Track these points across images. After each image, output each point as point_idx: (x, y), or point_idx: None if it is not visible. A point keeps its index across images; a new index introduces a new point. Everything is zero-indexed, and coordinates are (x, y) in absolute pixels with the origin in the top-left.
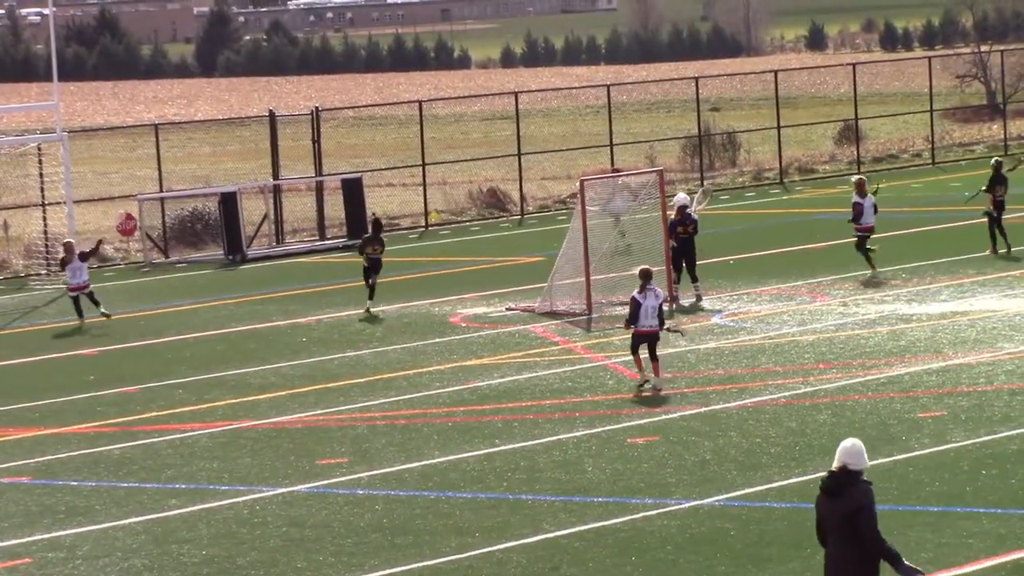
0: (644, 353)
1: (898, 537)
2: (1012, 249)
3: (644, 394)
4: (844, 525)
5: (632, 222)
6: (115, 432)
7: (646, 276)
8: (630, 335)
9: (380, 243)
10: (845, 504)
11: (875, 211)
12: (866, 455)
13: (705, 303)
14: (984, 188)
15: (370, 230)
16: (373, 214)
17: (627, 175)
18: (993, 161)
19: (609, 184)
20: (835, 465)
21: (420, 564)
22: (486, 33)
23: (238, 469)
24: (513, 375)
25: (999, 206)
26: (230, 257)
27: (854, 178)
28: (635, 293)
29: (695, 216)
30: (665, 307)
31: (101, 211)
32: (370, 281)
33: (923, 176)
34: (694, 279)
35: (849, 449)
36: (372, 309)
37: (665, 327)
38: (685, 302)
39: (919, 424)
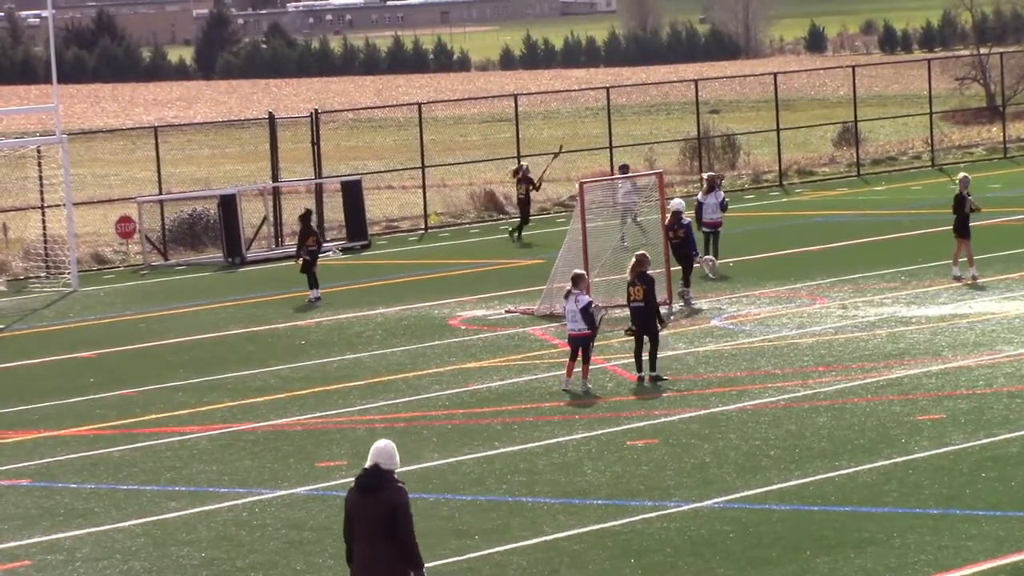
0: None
1: (897, 540)
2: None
3: (577, 401)
4: (380, 522)
5: (633, 224)
6: (114, 435)
7: (573, 281)
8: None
9: (315, 234)
10: (381, 502)
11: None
12: (397, 457)
13: (704, 305)
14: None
15: (301, 224)
16: (306, 208)
17: (627, 177)
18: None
19: (614, 183)
20: (367, 464)
21: None
22: (485, 35)
23: (237, 472)
24: (512, 377)
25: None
26: (229, 259)
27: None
28: (564, 298)
29: (686, 220)
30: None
31: (100, 213)
32: (312, 270)
33: (922, 178)
34: (686, 283)
35: (381, 449)
36: (318, 294)
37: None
38: (675, 307)
39: (918, 427)
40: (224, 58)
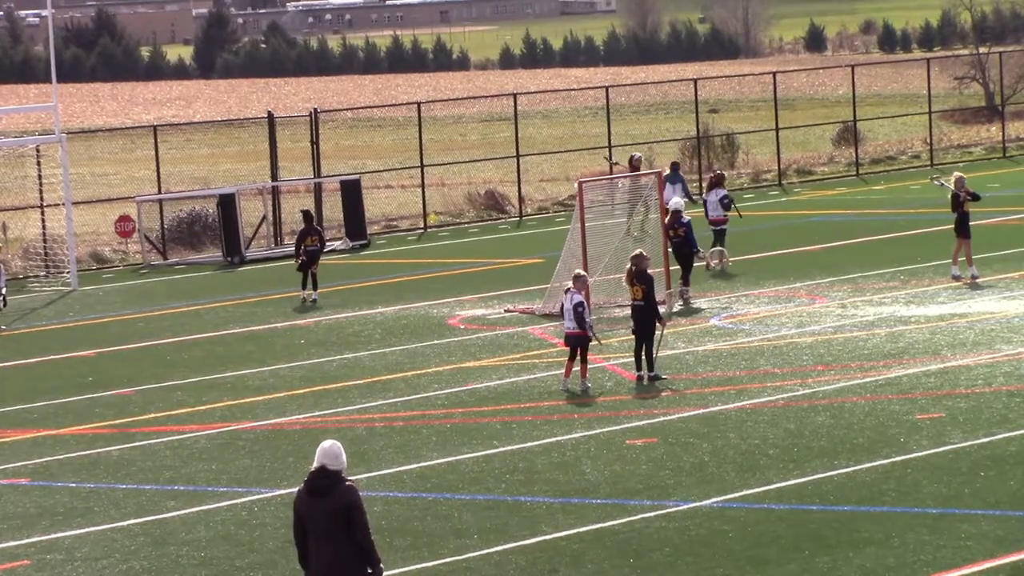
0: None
1: (896, 539)
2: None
3: (575, 400)
4: (335, 523)
5: (634, 223)
6: (113, 434)
7: (573, 280)
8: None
9: (316, 233)
10: (334, 503)
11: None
12: (344, 457)
13: (703, 304)
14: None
15: (303, 223)
16: (304, 209)
17: (625, 176)
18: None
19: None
20: (314, 466)
21: (418, 566)
22: (484, 35)
23: (236, 471)
24: (512, 377)
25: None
26: (228, 259)
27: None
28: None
29: (686, 219)
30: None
31: (100, 213)
32: (311, 270)
33: (921, 178)
34: (685, 282)
35: (327, 450)
36: (315, 296)
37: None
38: (675, 307)
39: (917, 426)
40: (223, 57)
